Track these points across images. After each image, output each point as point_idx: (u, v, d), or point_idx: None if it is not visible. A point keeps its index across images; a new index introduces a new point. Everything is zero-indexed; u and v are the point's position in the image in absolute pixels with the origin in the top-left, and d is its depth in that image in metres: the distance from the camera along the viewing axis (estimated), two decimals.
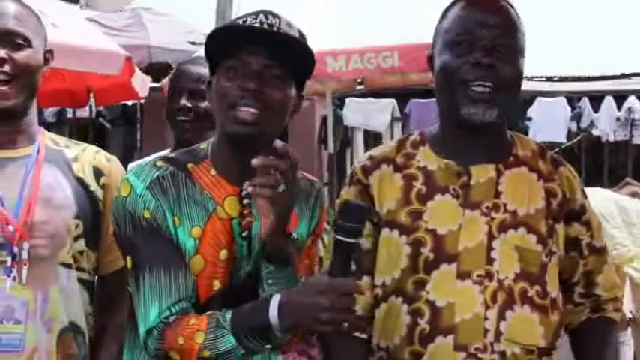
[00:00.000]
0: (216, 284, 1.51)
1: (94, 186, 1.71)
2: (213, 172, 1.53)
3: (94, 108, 8.18)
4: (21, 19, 1.66)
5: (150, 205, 1.47)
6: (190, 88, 2.24)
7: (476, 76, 1.50)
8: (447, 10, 1.61)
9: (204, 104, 2.21)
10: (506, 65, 1.52)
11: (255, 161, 1.41)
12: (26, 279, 1.58)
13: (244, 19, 1.49)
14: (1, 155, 1.66)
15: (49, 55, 1.73)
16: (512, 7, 1.59)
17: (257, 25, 1.47)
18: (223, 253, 1.50)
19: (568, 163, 1.68)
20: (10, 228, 1.59)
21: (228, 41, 1.49)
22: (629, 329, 3.34)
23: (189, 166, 1.53)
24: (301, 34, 1.53)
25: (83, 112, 8.48)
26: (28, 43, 1.65)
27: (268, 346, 1.41)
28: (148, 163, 1.54)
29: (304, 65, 1.53)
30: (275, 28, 1.47)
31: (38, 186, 1.64)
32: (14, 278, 1.57)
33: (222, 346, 1.39)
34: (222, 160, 1.53)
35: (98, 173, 1.73)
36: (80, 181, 1.70)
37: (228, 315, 1.40)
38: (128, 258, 1.49)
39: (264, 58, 1.47)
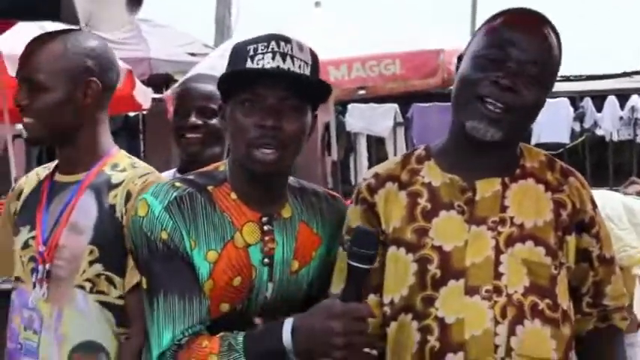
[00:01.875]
0: (224, 307, 1.51)
1: (120, 211, 1.73)
2: (233, 195, 1.54)
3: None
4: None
5: (167, 226, 1.47)
6: (199, 106, 2.24)
7: (491, 93, 1.48)
8: (488, 21, 1.58)
9: (214, 121, 2.23)
10: (527, 92, 1.50)
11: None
12: (47, 296, 1.72)
13: (255, 46, 1.48)
14: (61, 180, 1.80)
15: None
16: (556, 35, 1.56)
17: (270, 54, 1.47)
18: (237, 280, 1.50)
19: (574, 166, 1.66)
20: (40, 248, 1.74)
21: (244, 76, 1.49)
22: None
23: (210, 187, 1.53)
24: (313, 55, 1.53)
25: None
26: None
27: None
28: (166, 183, 1.54)
29: (318, 93, 1.53)
30: (289, 57, 1.47)
31: (70, 211, 1.74)
32: (42, 294, 1.73)
33: None
34: (242, 185, 1.54)
35: (128, 197, 1.75)
36: (111, 207, 1.73)
37: (240, 338, 1.40)
38: (144, 279, 1.50)
39: (279, 90, 1.47)
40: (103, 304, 1.72)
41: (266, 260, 1.52)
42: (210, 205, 1.51)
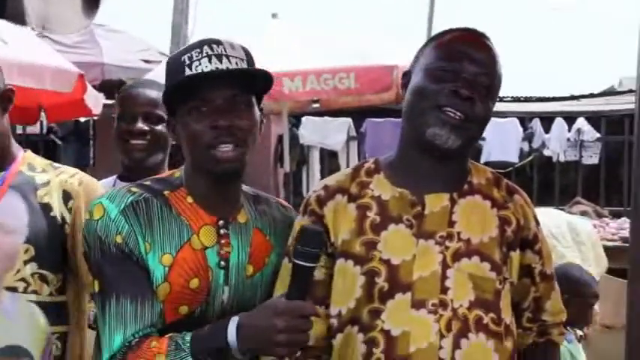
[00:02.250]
0: (183, 309, 1.51)
1: (58, 210, 1.75)
2: (189, 199, 1.55)
3: (44, 124, 8.03)
4: None
5: (123, 229, 1.47)
6: (145, 112, 2.22)
7: (451, 103, 1.51)
8: (434, 38, 1.62)
9: (159, 128, 2.21)
10: (481, 103, 1.54)
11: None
12: None
13: (189, 55, 1.50)
14: None
15: (9, 93, 1.77)
16: (495, 50, 1.60)
17: (205, 59, 1.49)
18: (194, 282, 1.51)
19: (520, 186, 1.69)
20: None
21: (186, 85, 1.50)
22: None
23: (166, 192, 1.55)
24: (245, 51, 1.55)
25: (34, 129, 8.31)
26: None
27: None
28: (122, 188, 1.54)
29: (261, 83, 1.55)
30: (224, 57, 1.49)
31: None
32: None
33: None
34: (199, 189, 1.55)
35: (67, 197, 1.77)
36: (43, 206, 1.74)
37: (188, 337, 1.41)
38: (96, 282, 1.49)
39: (224, 90, 1.50)
40: (37, 303, 1.71)
41: (222, 263, 1.54)
42: (167, 209, 1.52)
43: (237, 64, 1.51)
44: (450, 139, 1.51)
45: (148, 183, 1.58)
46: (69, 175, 1.81)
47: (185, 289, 1.50)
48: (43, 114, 5.66)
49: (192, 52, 1.50)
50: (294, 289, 1.38)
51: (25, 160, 1.80)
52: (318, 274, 1.55)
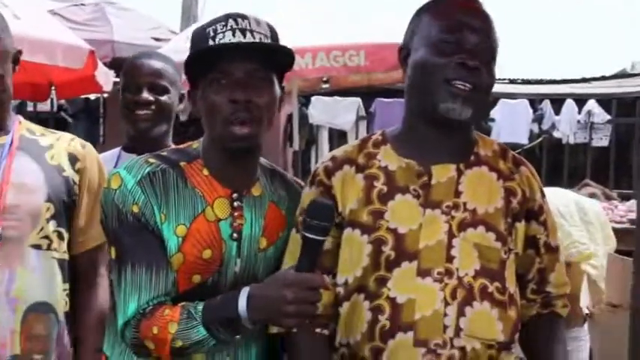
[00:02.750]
0: (196, 278, 1.54)
1: (69, 171, 1.81)
2: (205, 172, 1.57)
3: (55, 102, 8.06)
4: None
5: (139, 200, 1.50)
6: (150, 82, 2.24)
7: (459, 75, 1.52)
8: (426, 9, 1.61)
9: (164, 98, 2.24)
10: (486, 70, 1.55)
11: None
12: None
13: (214, 27, 1.52)
14: None
15: (18, 54, 1.81)
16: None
17: (229, 32, 1.50)
18: (207, 253, 1.53)
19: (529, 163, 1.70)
20: None
21: (208, 56, 1.51)
22: (586, 325, 3.41)
23: (182, 164, 1.57)
24: (270, 28, 1.56)
25: (44, 106, 8.34)
26: None
27: (238, 336, 1.45)
28: (140, 158, 1.57)
29: (283, 59, 1.56)
30: (248, 32, 1.51)
31: (9, 172, 1.73)
32: None
33: (193, 336, 1.43)
34: (215, 162, 1.57)
35: (73, 159, 1.83)
36: (55, 167, 1.79)
37: (200, 306, 1.44)
38: (112, 249, 1.53)
39: (245, 64, 1.50)
40: (56, 260, 1.77)
41: (235, 235, 1.56)
42: (182, 181, 1.54)
43: (260, 39, 1.52)
44: (464, 112, 1.52)
45: (165, 154, 1.60)
46: (69, 139, 1.87)
47: (198, 260, 1.52)
48: (53, 91, 5.69)
49: (217, 25, 1.52)
50: (304, 261, 1.40)
51: (24, 125, 1.85)
52: (326, 243, 1.57)
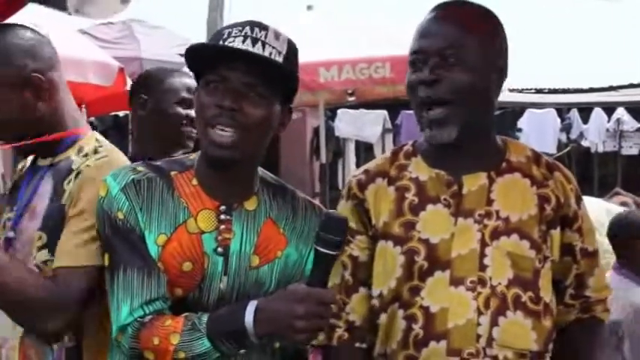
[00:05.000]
0: (178, 291, 1.51)
1: (71, 195, 1.65)
2: (195, 182, 1.53)
3: (85, 119, 8.17)
4: None
5: (123, 206, 1.49)
6: (187, 98, 2.33)
7: (426, 94, 1.51)
8: None
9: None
10: (459, 74, 1.50)
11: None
12: None
13: (230, 30, 1.48)
14: (39, 164, 1.75)
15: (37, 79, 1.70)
16: (479, 12, 1.57)
17: (241, 38, 1.45)
18: (187, 265, 1.49)
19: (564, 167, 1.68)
20: (9, 233, 1.71)
21: (209, 55, 1.48)
22: None
23: (173, 173, 1.54)
24: (290, 46, 1.50)
25: None
26: None
27: (243, 350, 1.43)
28: (128, 166, 1.56)
29: (287, 84, 1.51)
30: (260, 43, 1.45)
31: (31, 196, 1.70)
32: None
33: (196, 348, 1.40)
34: (205, 172, 1.53)
35: (79, 182, 1.68)
36: (61, 192, 1.67)
37: (204, 318, 1.42)
38: (106, 256, 1.51)
39: (244, 75, 1.45)
40: None
41: (219, 250, 1.50)
42: (169, 191, 1.51)
43: (270, 54, 1.45)
44: (445, 135, 1.52)
45: (158, 163, 1.56)
46: (94, 160, 1.69)
47: (178, 271, 1.48)
48: (84, 109, 5.78)
49: (234, 29, 1.47)
50: (316, 276, 1.38)
51: (80, 143, 1.74)
52: (363, 256, 1.58)
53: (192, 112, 2.24)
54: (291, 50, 1.50)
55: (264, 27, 1.48)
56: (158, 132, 2.37)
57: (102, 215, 1.51)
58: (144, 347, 1.43)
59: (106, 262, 1.51)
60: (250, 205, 1.54)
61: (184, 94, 2.35)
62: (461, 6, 1.58)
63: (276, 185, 1.61)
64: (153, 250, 1.48)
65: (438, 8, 1.58)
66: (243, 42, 1.45)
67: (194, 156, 1.58)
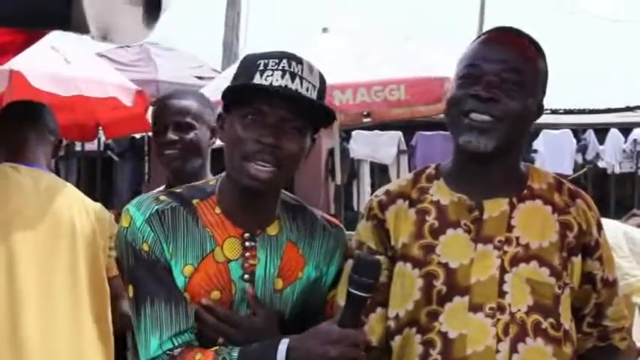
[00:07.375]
0: None
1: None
2: (218, 210, 1.54)
3: (102, 141, 8.25)
4: None
5: (148, 237, 1.48)
6: (175, 121, 2.26)
7: (472, 107, 1.53)
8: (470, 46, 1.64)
9: (190, 136, 2.25)
10: (510, 100, 1.53)
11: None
12: None
13: (265, 62, 1.47)
14: None
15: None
16: (534, 43, 1.61)
17: (279, 72, 1.46)
18: (215, 294, 1.50)
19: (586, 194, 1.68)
20: None
21: (248, 89, 1.48)
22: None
23: (195, 201, 1.54)
24: (321, 79, 1.53)
25: (91, 145, 8.54)
26: None
27: None
28: (150, 195, 1.56)
29: (322, 118, 1.53)
30: (298, 78, 1.46)
31: None
32: None
33: None
34: (229, 200, 1.53)
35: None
36: None
37: (235, 353, 1.41)
38: (130, 287, 1.50)
39: (283, 110, 1.47)
40: None
41: (246, 276, 1.52)
42: (193, 220, 1.51)
43: (307, 90, 1.47)
44: (482, 143, 1.52)
45: (179, 190, 1.57)
46: None
47: (207, 300, 1.49)
48: (100, 131, 5.83)
49: (270, 61, 1.47)
50: (348, 316, 1.40)
51: None
52: (381, 276, 1.57)
53: (174, 136, 2.23)
54: (323, 83, 1.53)
55: (299, 60, 1.49)
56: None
57: (125, 246, 1.50)
58: None
59: (130, 294, 1.50)
60: (272, 230, 1.56)
61: (175, 118, 2.28)
62: (518, 34, 1.61)
63: (296, 206, 1.63)
64: (179, 281, 1.48)
65: (496, 31, 1.62)
66: (282, 77, 1.45)
67: (213, 182, 1.58)
